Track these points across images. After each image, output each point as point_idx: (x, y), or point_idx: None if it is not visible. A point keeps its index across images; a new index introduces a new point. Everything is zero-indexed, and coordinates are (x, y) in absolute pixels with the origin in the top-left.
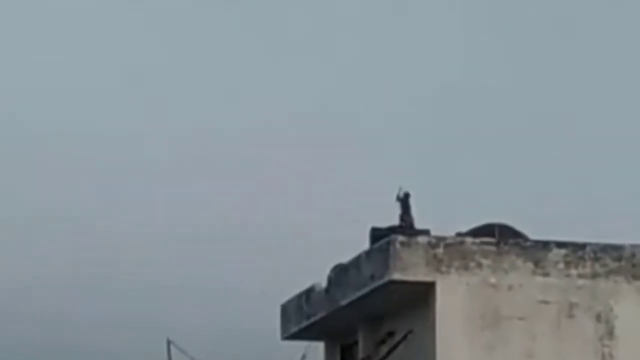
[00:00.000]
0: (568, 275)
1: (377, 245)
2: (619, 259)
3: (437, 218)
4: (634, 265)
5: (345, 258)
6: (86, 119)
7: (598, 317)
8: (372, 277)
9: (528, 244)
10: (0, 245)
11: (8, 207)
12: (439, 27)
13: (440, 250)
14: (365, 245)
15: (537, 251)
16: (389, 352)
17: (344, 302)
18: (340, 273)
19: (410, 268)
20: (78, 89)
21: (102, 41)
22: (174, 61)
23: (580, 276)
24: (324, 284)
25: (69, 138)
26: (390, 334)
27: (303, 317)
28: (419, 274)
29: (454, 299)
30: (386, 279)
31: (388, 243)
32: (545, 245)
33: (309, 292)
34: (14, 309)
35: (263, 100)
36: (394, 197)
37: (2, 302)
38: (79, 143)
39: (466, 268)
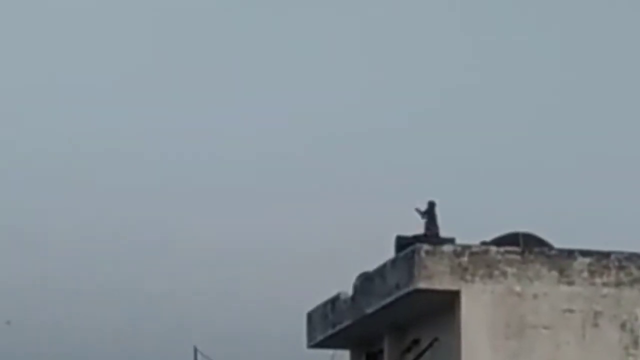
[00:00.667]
0: (593, 284)
1: (402, 253)
2: None
3: (462, 227)
4: None
5: (370, 266)
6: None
7: (623, 326)
8: (398, 286)
9: (553, 252)
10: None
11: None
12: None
13: (465, 259)
14: (391, 253)
15: (561, 260)
16: None
17: (369, 311)
18: (365, 281)
19: (435, 277)
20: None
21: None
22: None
23: (605, 285)
24: (349, 292)
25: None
26: (416, 342)
27: (329, 325)
28: (444, 283)
29: (478, 308)
30: (411, 287)
31: (413, 252)
32: (570, 253)
33: (334, 301)
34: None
35: (274, 120)
36: (416, 212)
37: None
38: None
39: (491, 276)
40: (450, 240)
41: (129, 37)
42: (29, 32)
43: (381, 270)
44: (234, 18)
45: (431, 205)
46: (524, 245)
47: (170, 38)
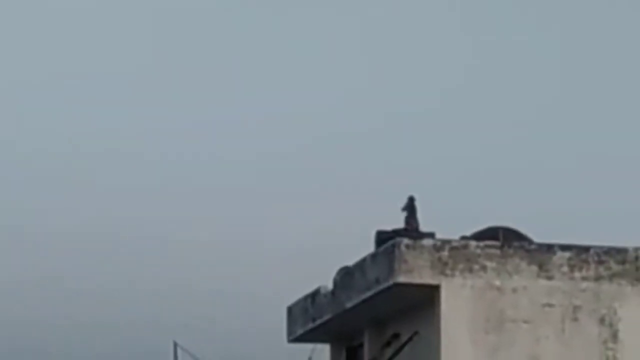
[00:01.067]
0: (572, 278)
1: (382, 248)
2: (622, 262)
3: (442, 221)
4: (637, 269)
5: (350, 261)
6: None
7: (602, 320)
8: (378, 280)
9: (532, 247)
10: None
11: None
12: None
13: (445, 253)
14: (371, 248)
15: (541, 254)
16: (395, 354)
17: (349, 305)
18: (345, 276)
19: (415, 271)
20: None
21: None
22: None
23: (584, 279)
24: (329, 286)
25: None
26: (396, 336)
27: (309, 319)
28: (424, 277)
29: (458, 302)
30: (391, 281)
31: (393, 246)
32: (549, 248)
33: (314, 295)
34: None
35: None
36: (400, 207)
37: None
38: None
39: (471, 271)
40: (430, 235)
41: (129, 37)
42: (29, 31)
43: (361, 265)
44: (234, 17)
45: (411, 200)
46: (504, 239)
47: (170, 38)
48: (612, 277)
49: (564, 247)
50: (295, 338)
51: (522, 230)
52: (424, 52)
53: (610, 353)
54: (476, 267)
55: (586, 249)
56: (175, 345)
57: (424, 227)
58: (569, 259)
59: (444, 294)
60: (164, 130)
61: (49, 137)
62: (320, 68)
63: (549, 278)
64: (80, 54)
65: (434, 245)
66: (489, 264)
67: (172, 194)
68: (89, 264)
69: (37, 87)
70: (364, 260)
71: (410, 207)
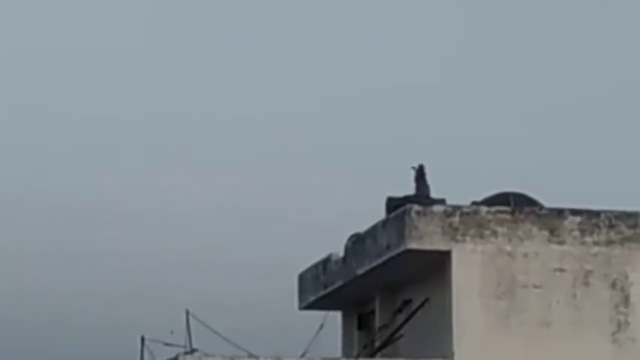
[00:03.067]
0: (583, 243)
1: (393, 214)
2: (634, 226)
3: (453, 187)
4: None
5: (361, 228)
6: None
7: (613, 285)
8: (389, 247)
9: (543, 212)
10: None
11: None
12: None
13: (455, 219)
14: (382, 215)
15: (552, 219)
16: (406, 321)
17: (360, 272)
18: (356, 243)
19: (426, 237)
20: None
21: None
22: None
23: (595, 244)
24: (340, 253)
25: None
26: (407, 303)
27: (320, 287)
28: (434, 243)
29: (469, 268)
30: (402, 248)
31: (404, 212)
32: (560, 213)
33: (325, 262)
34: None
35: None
36: (411, 171)
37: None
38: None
39: (482, 236)
40: (441, 201)
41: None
42: None
43: (372, 231)
44: None
45: (420, 167)
46: (515, 204)
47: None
48: (624, 241)
49: (575, 212)
50: (307, 305)
51: (533, 195)
52: (424, 16)
53: (621, 317)
54: (487, 232)
55: (597, 213)
56: (188, 313)
57: (434, 194)
58: (580, 223)
59: (455, 260)
60: (165, 93)
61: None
62: (326, 26)
63: (560, 243)
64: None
65: (445, 211)
66: (499, 229)
67: (181, 162)
68: (109, 237)
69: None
70: (375, 226)
71: (420, 174)
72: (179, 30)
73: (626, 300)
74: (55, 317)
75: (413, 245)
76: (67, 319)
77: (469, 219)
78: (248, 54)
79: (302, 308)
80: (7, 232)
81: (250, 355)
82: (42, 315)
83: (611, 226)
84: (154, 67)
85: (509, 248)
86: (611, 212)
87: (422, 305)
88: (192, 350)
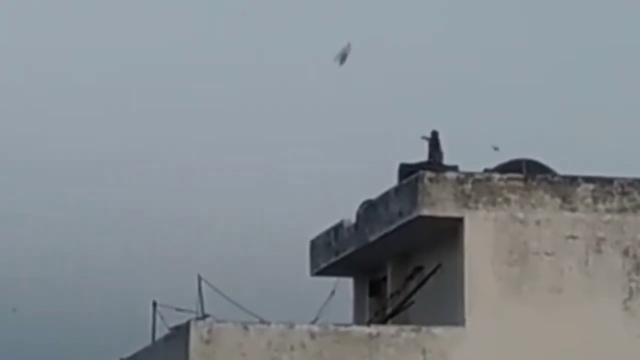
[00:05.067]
0: (596, 210)
1: (405, 181)
2: None
3: (466, 154)
4: None
5: (374, 194)
6: None
7: (626, 252)
8: (401, 213)
9: (556, 179)
10: None
11: None
12: None
13: (468, 186)
14: (394, 181)
15: (564, 186)
16: (418, 287)
17: (372, 238)
18: (369, 209)
19: (438, 204)
20: None
21: None
22: None
23: (608, 211)
24: (352, 220)
25: None
26: (419, 269)
27: (332, 253)
28: (447, 210)
29: (482, 234)
30: (414, 214)
31: (416, 179)
32: (573, 180)
33: (337, 228)
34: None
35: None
36: (422, 138)
37: None
38: None
39: (494, 204)
40: (454, 168)
41: None
42: None
43: (384, 198)
44: None
45: (434, 134)
46: (527, 172)
47: None
48: (636, 208)
49: (588, 179)
50: (319, 271)
51: (546, 162)
52: None
53: (633, 285)
54: (499, 199)
55: (610, 180)
56: (200, 279)
57: (447, 161)
58: (593, 190)
59: (467, 227)
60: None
61: None
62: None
63: (573, 210)
64: None
65: (457, 178)
66: (512, 196)
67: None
68: (105, 195)
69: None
70: (387, 193)
71: (433, 141)
72: None
73: (638, 267)
74: (67, 280)
75: (425, 211)
76: (79, 282)
77: (481, 186)
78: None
79: (313, 274)
80: (16, 194)
81: (262, 321)
82: (54, 278)
83: (624, 193)
84: None
85: (521, 215)
86: (624, 179)
87: (434, 272)
88: (204, 316)
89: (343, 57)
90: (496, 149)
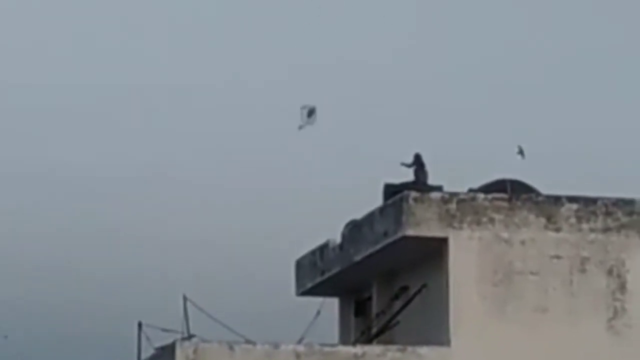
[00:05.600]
0: (580, 230)
1: (390, 201)
2: (630, 213)
3: (450, 175)
4: None
5: (358, 214)
6: None
7: (610, 272)
8: (386, 233)
9: (540, 199)
10: None
11: None
12: None
13: (453, 206)
14: (379, 201)
15: (549, 206)
16: (403, 307)
17: (357, 258)
18: (354, 229)
19: (423, 224)
20: None
21: None
22: None
23: (592, 230)
24: (338, 240)
25: None
26: (404, 289)
27: (317, 273)
28: (432, 230)
29: (466, 254)
30: (399, 234)
31: (401, 199)
32: (557, 200)
33: (323, 249)
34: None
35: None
36: (401, 165)
37: None
38: None
39: (479, 223)
40: (438, 188)
41: None
42: None
43: (369, 218)
44: None
45: (417, 156)
46: (512, 192)
47: None
48: (620, 228)
49: (572, 199)
50: (304, 291)
51: (530, 182)
52: None
53: (618, 304)
54: (484, 219)
55: (594, 200)
56: (185, 299)
57: (432, 181)
58: (577, 210)
59: (452, 247)
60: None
61: None
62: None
63: (557, 230)
64: None
65: (442, 198)
66: (496, 216)
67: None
68: (99, 216)
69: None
70: (372, 213)
71: (418, 162)
72: None
73: (622, 287)
74: (52, 302)
75: (410, 231)
76: (64, 304)
77: (466, 206)
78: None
79: (299, 294)
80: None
81: (248, 341)
82: (39, 300)
83: (608, 213)
84: None
85: (505, 235)
86: (608, 199)
87: (419, 291)
88: (190, 336)
89: (310, 112)
90: (521, 152)
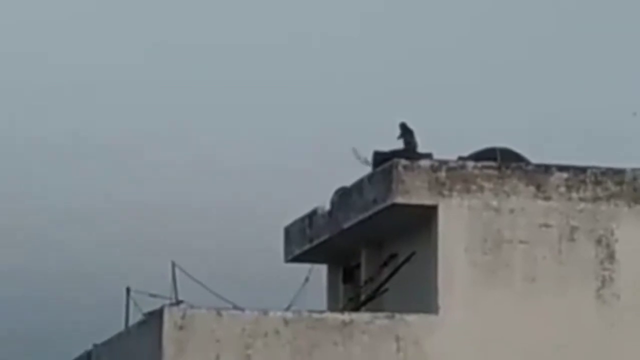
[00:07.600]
0: (569, 199)
1: (379, 168)
2: (620, 182)
3: (440, 142)
4: (635, 189)
5: (348, 181)
6: None
7: (599, 241)
8: (375, 201)
9: (529, 167)
10: None
11: None
12: None
13: (442, 174)
14: (368, 168)
15: (538, 175)
16: (392, 275)
17: (346, 225)
18: (343, 196)
19: (412, 191)
20: None
21: None
22: None
23: (581, 200)
24: (327, 207)
25: None
26: (393, 257)
27: (306, 240)
28: (421, 197)
29: (456, 222)
30: (389, 202)
31: (391, 166)
32: (546, 168)
33: (312, 215)
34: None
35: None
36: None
37: None
38: None
39: (468, 191)
40: (428, 156)
41: None
42: None
43: (359, 185)
44: None
45: (403, 125)
46: (501, 160)
47: None
48: (610, 197)
49: (562, 168)
50: (293, 258)
51: (520, 150)
52: None
53: (606, 273)
54: (473, 187)
55: (583, 169)
56: (174, 265)
57: (421, 148)
58: (567, 179)
59: (441, 215)
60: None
61: None
62: None
63: (546, 199)
64: None
65: (432, 166)
66: (486, 184)
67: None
68: (80, 183)
69: None
70: (361, 180)
71: (405, 130)
72: None
73: (611, 256)
74: (40, 266)
75: (399, 199)
76: (51, 269)
77: (455, 174)
78: None
79: (288, 261)
80: None
81: (236, 307)
82: (27, 265)
83: (597, 182)
84: None
85: (495, 203)
86: (597, 168)
87: (407, 259)
88: (178, 302)
89: (363, 160)
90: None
